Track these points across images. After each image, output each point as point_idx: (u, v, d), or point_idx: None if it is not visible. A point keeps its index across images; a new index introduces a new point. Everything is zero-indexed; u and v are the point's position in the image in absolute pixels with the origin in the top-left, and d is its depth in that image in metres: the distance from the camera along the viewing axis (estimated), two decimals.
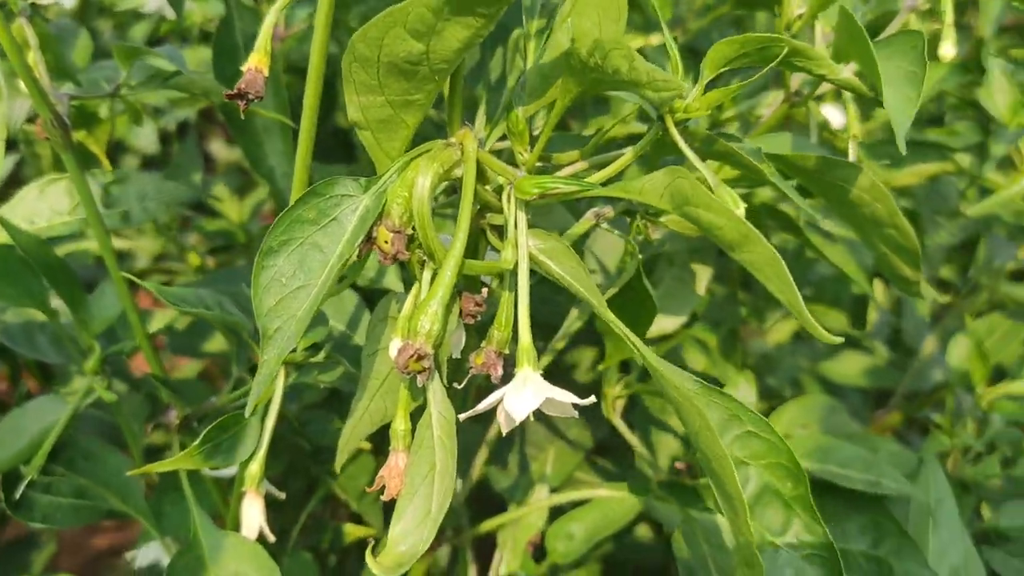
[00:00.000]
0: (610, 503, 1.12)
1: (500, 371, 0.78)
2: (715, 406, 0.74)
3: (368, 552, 0.69)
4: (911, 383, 1.71)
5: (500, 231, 0.79)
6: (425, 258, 0.75)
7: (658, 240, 1.12)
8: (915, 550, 1.07)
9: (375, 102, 0.72)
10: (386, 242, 0.73)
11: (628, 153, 0.73)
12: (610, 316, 0.73)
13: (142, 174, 1.17)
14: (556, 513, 1.21)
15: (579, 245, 1.03)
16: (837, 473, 1.16)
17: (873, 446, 1.31)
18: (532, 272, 0.73)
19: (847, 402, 1.54)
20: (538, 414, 0.71)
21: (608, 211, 0.86)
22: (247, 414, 0.72)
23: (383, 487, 0.76)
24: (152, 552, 1.10)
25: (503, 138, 0.83)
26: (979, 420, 1.52)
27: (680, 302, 1.16)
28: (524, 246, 0.72)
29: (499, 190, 0.79)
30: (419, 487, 0.74)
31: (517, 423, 0.67)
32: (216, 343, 1.61)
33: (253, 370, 1.11)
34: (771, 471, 0.76)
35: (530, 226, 0.74)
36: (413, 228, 0.74)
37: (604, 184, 0.72)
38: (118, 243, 1.81)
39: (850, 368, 1.56)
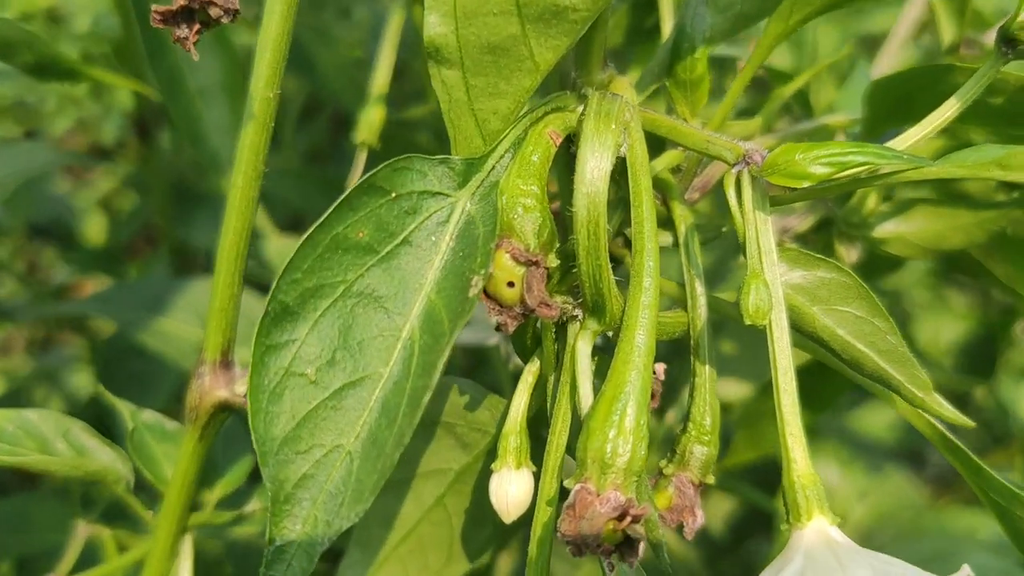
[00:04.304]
0: None
1: (701, 518, 0.42)
2: None
3: None
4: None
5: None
6: (576, 312, 0.39)
7: None
8: None
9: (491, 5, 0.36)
10: (510, 284, 0.37)
11: (952, 105, 0.40)
12: (937, 403, 0.40)
13: None
14: None
15: None
16: None
17: (951, 524, 1.02)
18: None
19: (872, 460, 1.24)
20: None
21: (798, 222, 0.52)
22: None
23: None
24: None
25: None
26: None
27: (753, 360, 0.83)
28: (778, 281, 0.37)
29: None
30: None
31: None
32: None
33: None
34: None
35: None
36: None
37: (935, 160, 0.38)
38: None
39: (876, 420, 1.26)
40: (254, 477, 0.61)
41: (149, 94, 0.64)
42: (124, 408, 0.54)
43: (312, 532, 0.34)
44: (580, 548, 0.34)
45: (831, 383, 0.63)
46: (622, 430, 0.34)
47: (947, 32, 0.77)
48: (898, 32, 0.78)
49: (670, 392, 0.72)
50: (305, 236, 0.34)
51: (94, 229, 1.41)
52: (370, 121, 0.61)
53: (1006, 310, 1.05)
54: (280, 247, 0.76)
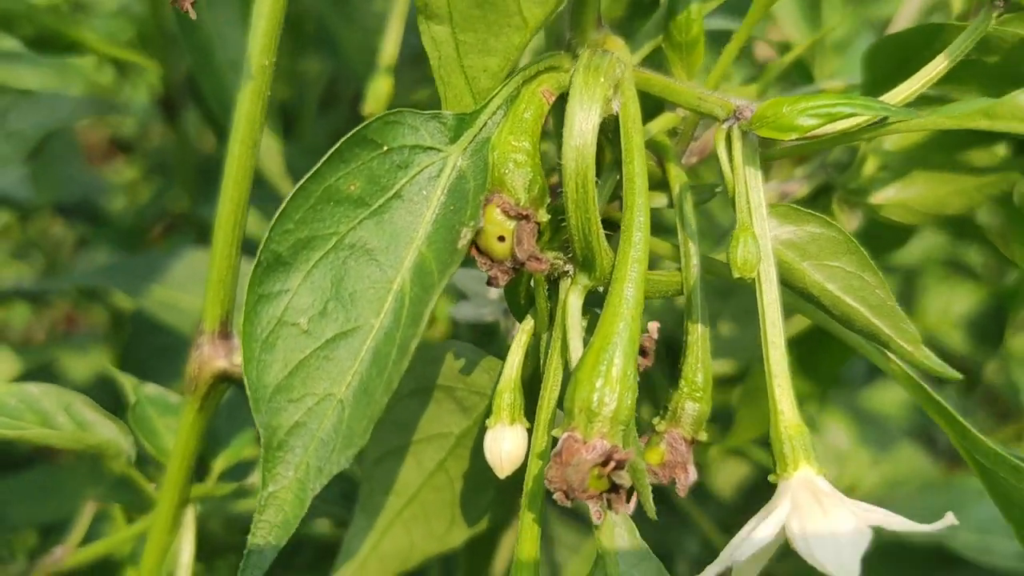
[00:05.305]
0: None
1: (694, 474, 0.43)
2: None
3: None
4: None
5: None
6: (567, 268, 0.40)
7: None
8: None
9: None
10: (500, 239, 0.37)
11: (942, 61, 0.40)
12: (924, 356, 0.40)
13: None
14: None
15: None
16: (972, 543, 0.86)
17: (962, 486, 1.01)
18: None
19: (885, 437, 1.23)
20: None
21: (798, 188, 0.53)
22: None
23: None
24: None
25: None
26: None
27: (745, 334, 0.82)
28: (767, 235, 0.37)
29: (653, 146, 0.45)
30: None
31: None
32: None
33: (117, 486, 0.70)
34: None
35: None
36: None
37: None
38: None
39: (887, 399, 1.25)
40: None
41: (162, 68, 0.65)
42: (126, 381, 0.54)
43: (304, 478, 0.34)
44: (567, 495, 0.35)
45: (832, 351, 0.63)
46: (609, 380, 0.35)
47: (957, 3, 0.77)
48: (907, 7, 0.78)
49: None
50: (297, 186, 0.35)
51: (119, 212, 1.41)
52: (377, 92, 0.61)
53: (1017, 284, 1.04)
54: None
